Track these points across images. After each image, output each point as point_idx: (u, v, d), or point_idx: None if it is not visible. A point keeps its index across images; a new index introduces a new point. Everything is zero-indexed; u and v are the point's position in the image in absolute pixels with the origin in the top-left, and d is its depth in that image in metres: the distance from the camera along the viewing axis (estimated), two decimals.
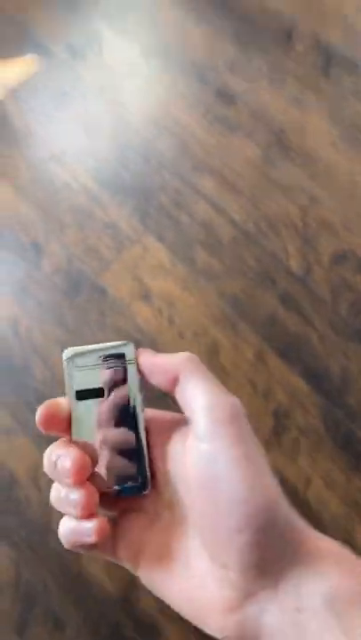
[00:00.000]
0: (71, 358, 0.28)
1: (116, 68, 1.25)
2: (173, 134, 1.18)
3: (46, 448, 0.28)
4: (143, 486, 0.27)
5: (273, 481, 0.24)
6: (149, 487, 0.27)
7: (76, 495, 0.25)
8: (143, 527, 0.27)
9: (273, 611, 0.22)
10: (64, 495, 0.26)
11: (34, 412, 0.29)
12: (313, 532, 0.24)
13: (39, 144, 1.20)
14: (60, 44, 1.29)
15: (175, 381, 0.26)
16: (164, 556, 0.26)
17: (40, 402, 0.28)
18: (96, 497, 0.26)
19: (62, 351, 0.29)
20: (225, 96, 1.18)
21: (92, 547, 0.26)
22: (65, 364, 0.28)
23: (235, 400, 0.25)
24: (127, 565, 0.27)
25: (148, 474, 0.27)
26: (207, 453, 0.24)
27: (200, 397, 0.25)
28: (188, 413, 0.26)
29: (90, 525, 0.25)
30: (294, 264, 1.05)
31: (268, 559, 0.23)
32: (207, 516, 0.24)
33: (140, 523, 0.27)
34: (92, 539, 0.25)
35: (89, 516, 0.25)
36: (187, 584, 0.25)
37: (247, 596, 0.23)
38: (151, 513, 0.27)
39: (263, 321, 1.01)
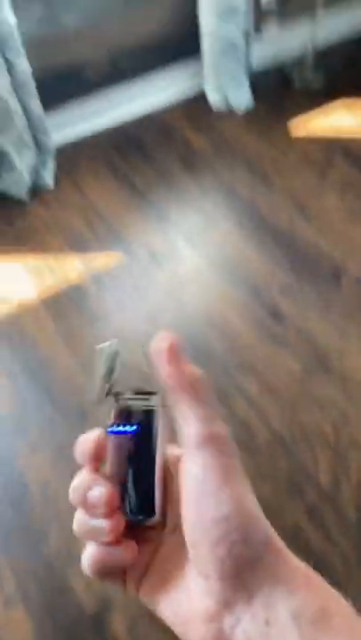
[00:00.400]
0: (108, 395, 0.30)
1: (183, 274, 1.46)
2: (225, 335, 1.33)
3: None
4: (155, 516, 0.29)
5: (251, 504, 0.26)
6: (159, 518, 0.29)
7: (106, 523, 0.27)
8: (149, 552, 0.29)
9: (246, 621, 0.24)
10: (92, 524, 0.28)
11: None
12: (289, 554, 0.26)
13: (106, 325, 1.36)
14: (142, 247, 1.53)
15: (181, 390, 0.28)
16: (165, 578, 0.28)
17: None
18: (123, 524, 0.28)
19: None
20: (275, 314, 1.34)
21: (121, 571, 0.28)
22: (105, 400, 0.30)
23: (218, 425, 0.27)
24: (131, 589, 0.29)
25: (160, 507, 0.29)
26: (195, 475, 0.26)
27: (188, 424, 0.27)
28: (181, 422, 0.28)
29: (120, 549, 0.27)
30: (323, 478, 1.08)
31: (245, 571, 0.25)
32: (194, 530, 0.26)
33: (146, 549, 0.29)
34: (126, 558, 0.27)
35: (117, 542, 0.28)
36: (180, 599, 0.27)
37: (225, 605, 0.25)
38: (156, 540, 0.29)
39: (287, 531, 1.01)
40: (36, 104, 1.58)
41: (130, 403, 0.30)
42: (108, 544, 0.28)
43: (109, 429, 0.30)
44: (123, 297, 1.42)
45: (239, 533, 0.25)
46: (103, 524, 0.27)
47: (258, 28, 1.94)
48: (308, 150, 1.78)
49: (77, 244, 1.56)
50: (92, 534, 0.28)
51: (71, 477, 0.29)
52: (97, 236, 1.58)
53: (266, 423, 1.16)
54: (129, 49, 1.81)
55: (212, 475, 0.26)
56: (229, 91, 1.91)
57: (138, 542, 0.29)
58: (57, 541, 1.03)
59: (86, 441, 0.29)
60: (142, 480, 0.29)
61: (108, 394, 0.30)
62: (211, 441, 0.26)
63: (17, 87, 1.53)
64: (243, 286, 1.41)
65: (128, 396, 0.30)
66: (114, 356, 0.30)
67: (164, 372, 0.28)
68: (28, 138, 1.60)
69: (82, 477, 0.29)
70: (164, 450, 0.30)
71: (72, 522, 0.29)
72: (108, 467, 0.30)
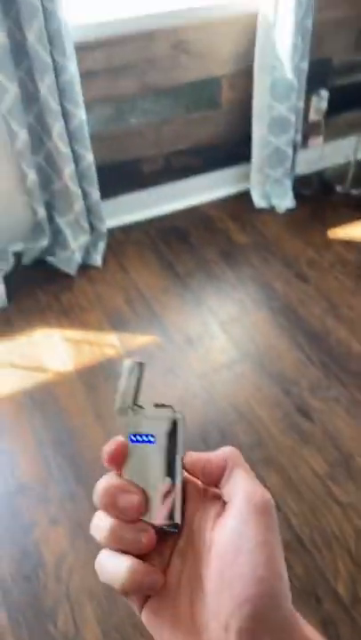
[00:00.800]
0: (132, 407, 0.32)
1: (216, 361, 1.51)
2: (251, 424, 1.34)
3: None
4: (175, 527, 0.30)
5: (284, 573, 0.27)
6: (180, 528, 0.30)
7: (144, 537, 0.29)
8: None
9: None
10: (128, 535, 0.29)
11: None
12: (307, 627, 0.27)
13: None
14: (178, 331, 1.60)
15: (220, 473, 0.30)
16: (174, 614, 0.28)
17: None
18: (155, 537, 0.29)
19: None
20: (303, 411, 1.36)
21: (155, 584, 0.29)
22: (128, 412, 0.32)
23: (269, 495, 0.28)
24: (133, 606, 0.30)
25: (180, 518, 0.30)
26: (238, 530, 0.27)
27: (243, 485, 0.29)
28: (227, 496, 0.29)
29: (156, 571, 0.29)
30: (342, 589, 1.05)
31: (264, 629, 0.25)
32: (217, 579, 0.27)
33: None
34: (159, 580, 0.28)
35: (149, 545, 0.29)
36: (186, 637, 0.27)
37: None
38: (163, 561, 0.30)
39: None
40: (95, 192, 1.73)
41: (150, 414, 0.32)
42: (140, 551, 0.29)
43: (131, 438, 0.32)
44: (155, 377, 1.46)
45: (269, 596, 0.26)
46: (140, 536, 0.29)
47: (305, 140, 2.11)
48: (344, 253, 1.86)
49: (117, 322, 1.64)
50: (125, 544, 0.29)
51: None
52: (137, 315, 1.66)
53: (286, 522, 1.15)
54: (184, 150, 1.98)
55: (253, 533, 0.27)
56: (273, 192, 2.05)
57: (145, 559, 0.30)
58: (65, 624, 1.02)
59: (111, 445, 0.31)
60: (165, 489, 0.31)
61: (130, 406, 0.32)
62: (258, 500, 0.28)
63: (80, 176, 1.69)
64: (273, 379, 1.45)
65: (149, 408, 0.32)
66: (137, 372, 0.32)
67: (204, 455, 0.31)
68: (84, 222, 1.74)
69: (110, 481, 0.30)
70: (181, 462, 0.31)
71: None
72: (127, 473, 0.31)
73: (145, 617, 0.30)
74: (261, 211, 2.07)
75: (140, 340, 1.58)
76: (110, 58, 1.67)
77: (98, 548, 0.31)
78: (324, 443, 1.29)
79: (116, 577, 0.29)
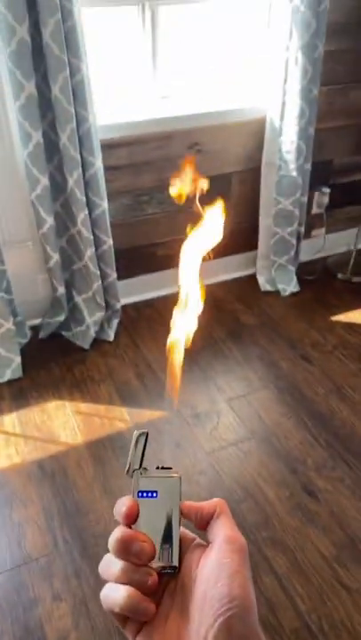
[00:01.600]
0: (139, 470, 0.39)
1: (223, 437, 1.54)
2: (257, 503, 1.35)
3: None
4: (175, 570, 0.37)
5: (253, 597, 0.33)
6: (177, 567, 0.37)
7: (150, 579, 0.35)
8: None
9: None
10: (129, 570, 0.35)
11: None
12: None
13: None
14: (187, 406, 1.65)
15: (209, 518, 0.38)
16: (162, 632, 0.35)
17: None
18: (157, 580, 0.36)
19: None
20: (309, 491, 1.38)
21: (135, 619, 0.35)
22: (135, 473, 0.39)
23: (244, 540, 0.36)
24: (127, 634, 0.36)
25: (178, 561, 0.37)
26: (219, 562, 0.34)
27: (224, 529, 0.37)
28: (211, 536, 0.37)
29: (150, 604, 0.35)
30: None
31: (234, 634, 0.32)
32: (200, 600, 0.34)
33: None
34: (150, 612, 0.35)
35: (151, 590, 0.35)
36: None
37: None
38: (157, 596, 0.37)
39: None
40: (112, 273, 1.85)
41: (153, 475, 0.39)
42: (144, 591, 0.35)
43: (138, 494, 0.39)
44: (163, 452, 1.49)
45: (240, 611, 0.32)
46: (147, 579, 0.35)
47: (308, 230, 2.26)
48: (346, 336, 1.94)
49: (127, 396, 1.69)
50: (134, 583, 0.35)
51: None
52: (146, 389, 1.71)
53: (294, 607, 1.13)
54: None
55: (232, 564, 0.34)
56: (278, 277, 2.17)
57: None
58: None
59: (125, 505, 0.38)
60: (166, 538, 0.38)
61: (137, 469, 0.39)
62: (235, 542, 0.36)
63: (99, 258, 1.81)
64: (279, 457, 1.47)
65: (152, 470, 0.39)
66: (143, 441, 0.40)
67: (198, 504, 0.39)
68: (100, 299, 1.84)
69: (125, 531, 0.37)
70: (179, 514, 0.39)
71: None
72: (139, 524, 0.38)
73: None
74: (267, 293, 2.18)
75: (148, 414, 1.63)
76: (132, 155, 1.85)
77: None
78: (330, 523, 1.29)
79: (116, 602, 0.35)
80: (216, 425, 1.59)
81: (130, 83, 1.85)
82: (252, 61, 1.95)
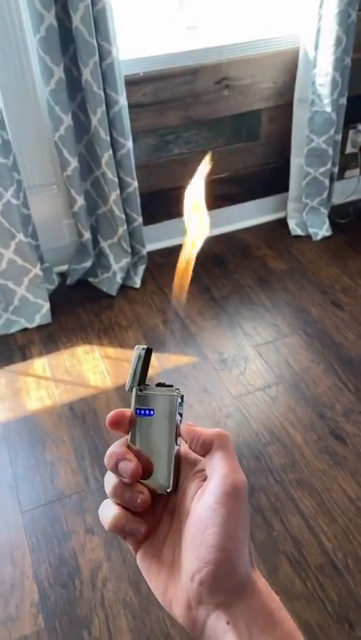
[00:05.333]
0: (138, 386, 0.37)
1: (251, 383, 1.54)
2: (284, 446, 1.36)
3: None
4: (168, 492, 0.36)
5: (243, 547, 0.33)
6: (173, 490, 0.36)
7: (139, 498, 0.35)
8: (152, 522, 0.37)
9: (213, 617, 0.32)
10: (127, 495, 0.35)
11: None
12: (263, 588, 0.33)
13: None
14: (214, 352, 1.64)
15: (207, 449, 0.35)
16: (161, 560, 0.36)
17: None
18: (150, 500, 0.35)
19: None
20: (336, 435, 1.38)
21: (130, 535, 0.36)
22: (134, 389, 0.38)
23: (240, 479, 0.34)
24: (131, 549, 0.37)
25: (173, 480, 0.36)
26: (210, 506, 0.33)
27: (219, 469, 0.34)
28: (208, 473, 0.35)
29: (138, 523, 0.35)
30: None
31: (220, 591, 0.32)
32: (190, 541, 0.33)
33: (150, 518, 0.37)
34: (139, 531, 0.35)
35: (140, 514, 0.35)
36: (166, 579, 0.35)
37: (199, 602, 0.33)
38: (158, 513, 0.37)
39: None
40: (137, 217, 1.81)
41: (151, 392, 0.37)
42: (133, 513, 0.35)
43: (136, 412, 0.37)
44: (190, 397, 1.50)
45: (226, 564, 0.32)
46: (136, 497, 0.35)
47: (341, 171, 2.15)
48: None
49: (154, 341, 1.69)
50: (124, 501, 0.35)
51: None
52: (173, 335, 1.71)
53: (320, 544, 1.15)
54: (223, 179, 2.06)
55: (224, 511, 0.33)
56: (310, 221, 2.10)
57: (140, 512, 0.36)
58: (99, 631, 1.04)
59: (112, 413, 0.37)
60: (161, 456, 0.37)
61: (136, 385, 0.37)
62: (231, 484, 0.33)
63: (124, 201, 1.77)
64: (307, 402, 1.47)
65: (152, 387, 0.38)
66: (145, 356, 0.37)
67: (197, 429, 0.37)
68: (126, 245, 1.81)
69: (114, 449, 0.36)
70: (177, 433, 0.37)
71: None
72: (136, 441, 0.37)
73: (138, 558, 0.37)
74: (298, 238, 2.12)
75: (175, 359, 1.63)
76: (157, 92, 1.77)
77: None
78: (357, 467, 1.30)
79: (105, 520, 0.36)
80: (243, 370, 1.58)
81: (154, 13, 1.74)
82: None
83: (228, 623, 0.32)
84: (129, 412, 0.37)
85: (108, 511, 0.36)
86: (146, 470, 0.36)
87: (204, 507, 0.33)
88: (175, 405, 0.37)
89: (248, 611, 0.32)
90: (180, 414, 0.38)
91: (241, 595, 0.32)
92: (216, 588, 0.32)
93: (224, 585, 0.32)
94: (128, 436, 0.38)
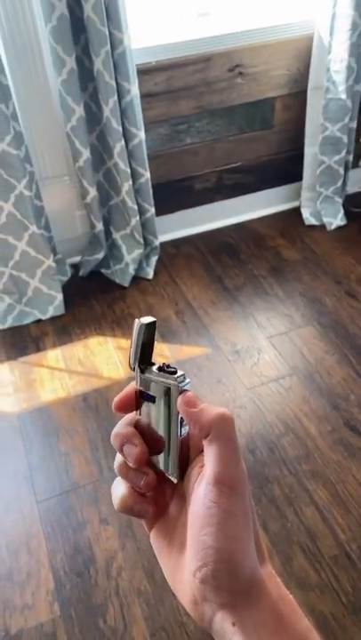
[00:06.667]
0: (138, 366, 0.34)
1: (264, 373, 1.53)
2: (298, 437, 1.36)
3: None
4: (174, 475, 0.35)
5: (244, 547, 0.31)
6: (179, 478, 0.35)
7: (144, 479, 0.34)
8: (163, 503, 0.36)
9: (219, 617, 0.31)
10: (132, 476, 0.34)
11: None
12: (273, 587, 0.32)
13: None
14: (227, 343, 1.64)
15: (206, 435, 0.32)
16: (171, 542, 0.35)
17: None
18: (155, 482, 0.34)
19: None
20: (351, 426, 1.37)
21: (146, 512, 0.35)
22: (137, 369, 0.35)
23: (238, 474, 0.31)
24: (145, 527, 0.37)
25: (177, 469, 0.35)
26: (206, 503, 0.31)
27: (214, 462, 0.31)
28: (205, 464, 0.32)
29: (145, 504, 0.35)
30: None
31: (222, 587, 0.31)
32: (190, 537, 0.32)
33: (162, 499, 0.36)
34: (147, 512, 0.35)
35: (147, 488, 0.34)
36: (176, 562, 0.34)
37: (203, 600, 0.31)
38: (169, 494, 0.36)
39: None
40: (149, 208, 1.80)
41: (152, 378, 0.34)
42: (140, 490, 0.35)
43: (143, 394, 0.35)
44: (203, 388, 1.50)
45: (226, 565, 0.30)
46: (140, 478, 0.34)
47: (356, 159, 2.12)
48: None
49: (166, 333, 1.69)
50: (130, 482, 0.35)
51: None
52: (186, 326, 1.71)
53: (334, 535, 1.15)
54: (236, 168, 2.04)
55: (219, 511, 0.30)
56: (324, 210, 2.07)
57: (157, 488, 0.36)
58: (114, 620, 1.05)
59: (125, 397, 0.35)
60: (165, 444, 0.35)
61: (138, 363, 0.34)
62: (225, 483, 0.31)
63: (137, 192, 1.76)
64: (321, 393, 1.46)
65: (153, 370, 0.34)
66: (147, 332, 0.33)
67: (194, 411, 0.33)
68: (138, 236, 1.81)
69: (119, 430, 0.35)
70: (182, 421, 0.34)
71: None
72: (144, 425, 0.35)
73: (151, 537, 0.37)
74: (311, 228, 2.10)
75: (188, 350, 1.63)
76: (169, 80, 1.75)
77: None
78: None
79: (114, 499, 0.35)
80: (257, 361, 1.57)
81: (165, 0, 1.71)
82: None
83: (233, 625, 0.30)
84: (133, 390, 0.35)
85: (117, 491, 0.35)
86: (155, 448, 0.35)
87: (199, 502, 0.32)
88: (176, 394, 0.33)
89: (256, 613, 0.31)
90: None
91: (248, 595, 0.31)
92: (219, 588, 0.31)
93: (226, 585, 0.31)
94: (136, 413, 0.36)
